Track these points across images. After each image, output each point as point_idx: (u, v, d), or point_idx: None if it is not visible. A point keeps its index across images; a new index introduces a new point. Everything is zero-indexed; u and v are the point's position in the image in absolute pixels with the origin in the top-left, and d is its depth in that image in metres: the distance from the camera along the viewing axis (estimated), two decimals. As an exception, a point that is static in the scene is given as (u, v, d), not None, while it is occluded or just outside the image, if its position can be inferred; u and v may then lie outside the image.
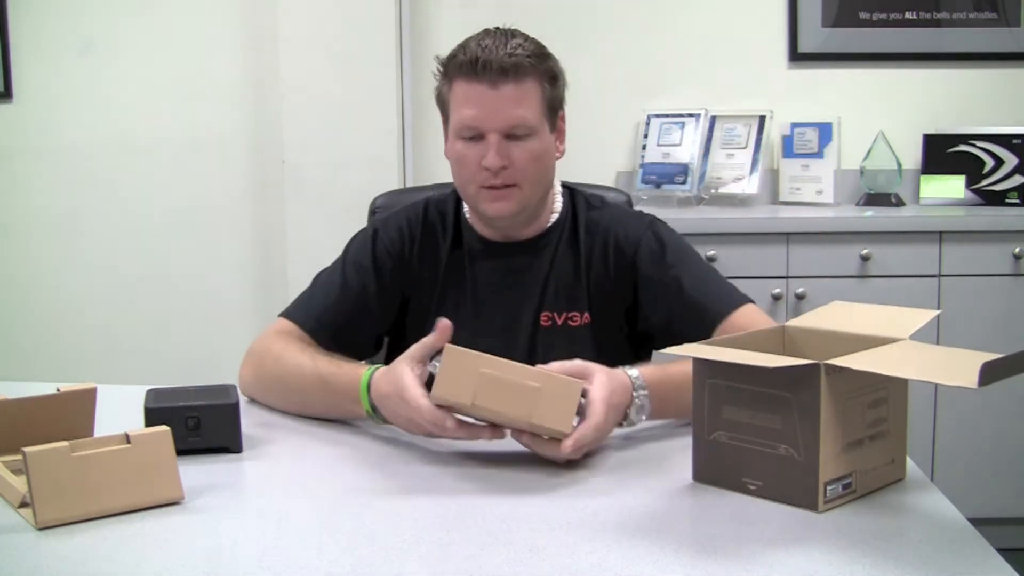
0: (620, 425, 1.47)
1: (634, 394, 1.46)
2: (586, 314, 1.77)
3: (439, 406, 1.38)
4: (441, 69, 1.72)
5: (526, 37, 1.70)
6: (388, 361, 1.87)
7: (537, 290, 1.77)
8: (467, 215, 1.81)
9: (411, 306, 1.81)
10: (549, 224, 1.80)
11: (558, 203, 1.81)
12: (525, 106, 1.66)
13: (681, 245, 1.78)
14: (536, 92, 1.68)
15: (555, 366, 1.42)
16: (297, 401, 1.66)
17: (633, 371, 1.48)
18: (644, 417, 1.48)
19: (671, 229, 1.81)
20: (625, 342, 1.78)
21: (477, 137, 1.68)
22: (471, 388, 1.32)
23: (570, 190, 1.85)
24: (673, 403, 1.49)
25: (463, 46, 1.69)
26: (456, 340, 1.75)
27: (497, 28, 1.71)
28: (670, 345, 1.36)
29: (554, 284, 1.77)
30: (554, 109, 1.73)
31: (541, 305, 1.77)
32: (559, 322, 1.77)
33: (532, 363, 1.72)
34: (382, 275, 1.79)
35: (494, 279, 1.79)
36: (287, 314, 1.78)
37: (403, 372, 1.43)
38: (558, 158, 1.78)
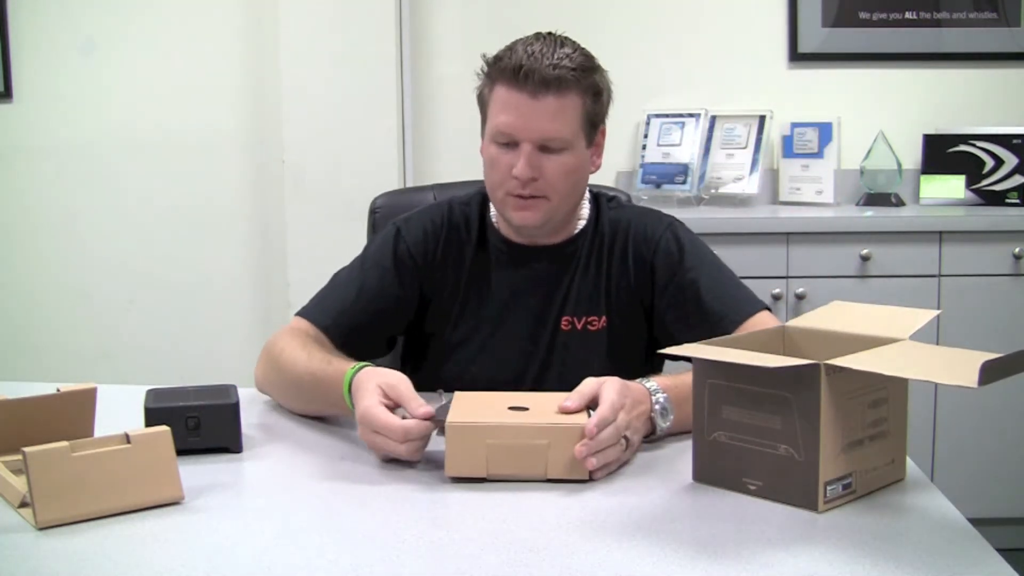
0: (650, 435, 1.47)
1: (653, 399, 1.46)
2: (604, 318, 1.76)
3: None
4: (485, 69, 1.69)
5: (576, 47, 1.68)
6: (404, 360, 1.88)
7: (560, 295, 1.77)
8: (493, 218, 1.80)
9: (432, 307, 1.80)
10: (576, 231, 1.78)
11: (585, 209, 1.80)
12: (562, 120, 1.64)
13: (700, 248, 1.77)
14: (576, 106, 1.66)
15: (573, 395, 1.40)
16: (296, 397, 1.66)
17: (647, 382, 1.49)
18: (670, 421, 1.47)
19: (690, 231, 1.80)
20: (640, 347, 1.77)
21: (511, 144, 1.66)
22: (482, 461, 1.34)
23: (594, 195, 1.83)
24: (691, 406, 1.48)
25: (511, 49, 1.66)
26: (477, 342, 1.77)
27: (549, 33, 1.69)
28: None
29: (577, 289, 1.76)
30: (594, 124, 1.70)
31: (563, 310, 1.76)
32: (579, 326, 1.76)
33: (550, 367, 1.74)
34: (403, 276, 1.77)
35: (518, 284, 1.77)
36: (304, 312, 1.77)
37: (372, 400, 1.42)
38: (593, 172, 1.76)
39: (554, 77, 1.62)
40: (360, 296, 1.76)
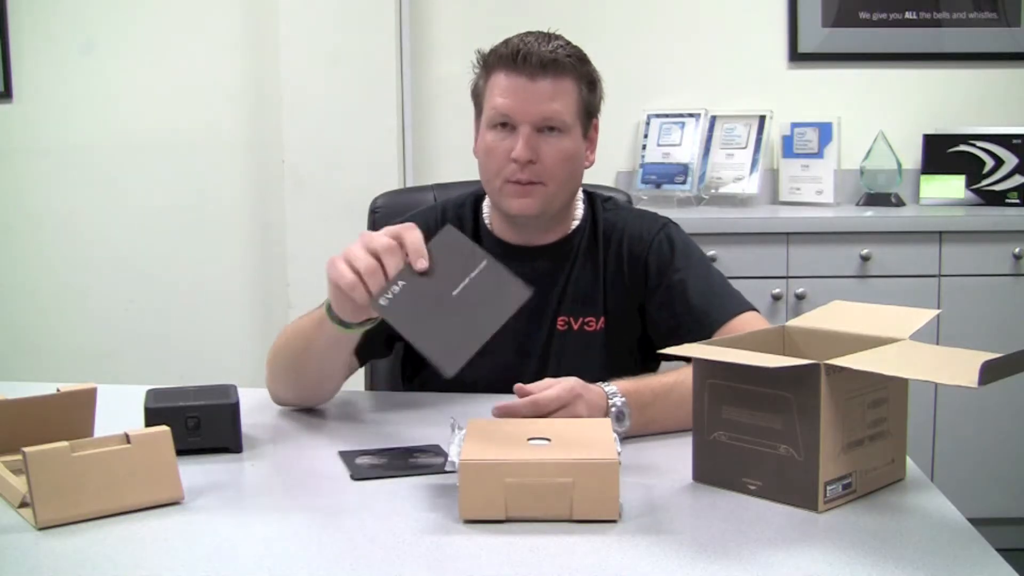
0: None
1: (609, 403, 1.46)
2: (602, 319, 1.76)
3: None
4: (480, 62, 1.72)
5: (568, 42, 1.72)
6: (403, 364, 1.87)
7: (556, 295, 1.77)
8: (486, 220, 1.81)
9: None
10: (570, 230, 1.79)
11: (579, 209, 1.81)
12: (560, 102, 1.67)
13: (690, 249, 1.78)
14: (573, 92, 1.69)
15: (533, 387, 1.43)
16: (292, 356, 1.61)
17: (606, 385, 1.49)
18: (626, 427, 1.47)
19: (684, 233, 1.81)
20: (637, 348, 1.78)
21: (509, 128, 1.68)
22: (500, 502, 1.22)
23: (589, 195, 1.84)
24: (656, 409, 1.49)
25: (505, 41, 1.70)
26: None
27: (539, 31, 1.72)
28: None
29: (573, 289, 1.77)
30: (589, 114, 1.73)
31: (559, 310, 1.77)
32: (575, 327, 1.76)
33: (546, 368, 1.73)
34: None
35: None
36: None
37: None
38: (587, 167, 1.77)
39: (551, 59, 1.66)
40: None
